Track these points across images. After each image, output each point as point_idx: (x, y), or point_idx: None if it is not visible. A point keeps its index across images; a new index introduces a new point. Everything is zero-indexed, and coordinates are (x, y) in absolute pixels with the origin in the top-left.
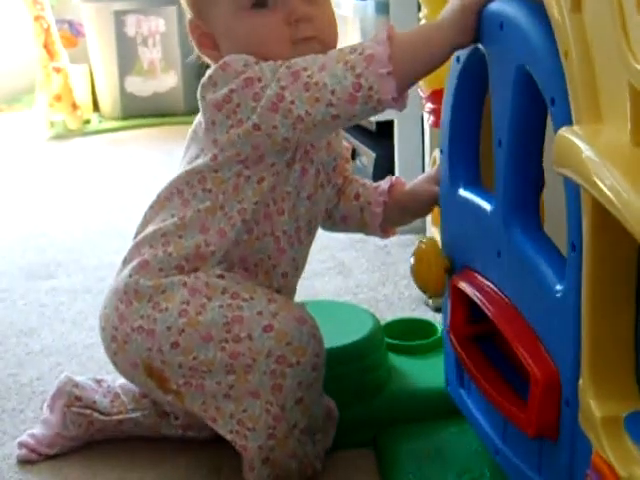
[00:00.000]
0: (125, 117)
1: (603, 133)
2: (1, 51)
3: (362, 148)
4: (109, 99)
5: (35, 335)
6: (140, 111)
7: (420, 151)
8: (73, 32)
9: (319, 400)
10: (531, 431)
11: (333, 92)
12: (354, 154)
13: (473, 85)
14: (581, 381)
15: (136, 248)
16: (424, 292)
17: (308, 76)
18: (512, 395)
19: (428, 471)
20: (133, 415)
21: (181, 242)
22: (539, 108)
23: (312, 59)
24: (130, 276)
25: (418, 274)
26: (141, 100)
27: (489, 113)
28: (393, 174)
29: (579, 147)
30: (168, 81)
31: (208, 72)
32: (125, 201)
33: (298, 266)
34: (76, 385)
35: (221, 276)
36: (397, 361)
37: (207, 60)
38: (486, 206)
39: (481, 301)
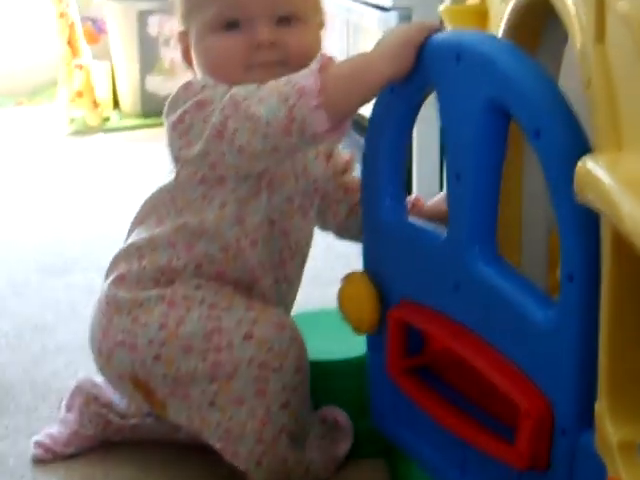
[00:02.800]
0: (145, 115)
1: (624, 162)
2: (24, 45)
3: None
4: (129, 97)
5: (50, 331)
6: (160, 110)
7: (438, 167)
8: (96, 29)
9: (306, 405)
10: (522, 463)
11: (268, 124)
12: None
13: (405, 116)
14: (597, 406)
15: (114, 262)
16: (357, 330)
17: (247, 106)
18: (483, 428)
19: None
20: (148, 420)
21: (154, 256)
22: (503, 140)
23: (254, 89)
24: (109, 291)
25: (351, 312)
26: (161, 99)
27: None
28: (411, 189)
29: (600, 176)
30: None
31: (173, 92)
32: (142, 198)
33: (280, 291)
34: (95, 385)
35: (198, 286)
36: None
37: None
38: (435, 238)
39: (440, 335)
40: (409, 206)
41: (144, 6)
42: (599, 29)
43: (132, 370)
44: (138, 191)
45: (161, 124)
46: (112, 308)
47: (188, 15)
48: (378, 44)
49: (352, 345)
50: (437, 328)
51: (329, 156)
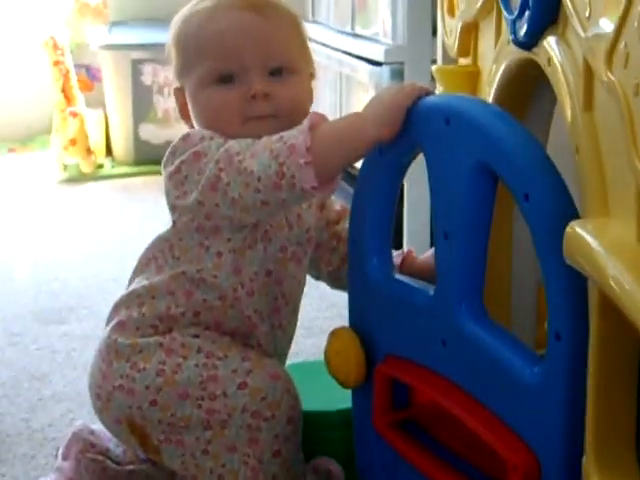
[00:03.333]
0: (138, 163)
1: (610, 228)
2: (18, 92)
3: None
4: (123, 145)
5: (47, 380)
6: (152, 158)
7: (428, 223)
8: (90, 77)
9: (298, 455)
10: None
11: (259, 179)
12: None
13: (393, 177)
14: (584, 460)
15: (115, 309)
16: (343, 384)
17: (239, 161)
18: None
19: None
20: (144, 466)
21: (153, 303)
22: (491, 202)
23: (247, 144)
24: (109, 337)
25: (338, 367)
26: (154, 147)
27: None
28: (402, 239)
29: (588, 241)
30: (181, 130)
31: (172, 144)
32: (136, 247)
33: (276, 337)
34: (91, 432)
35: (196, 335)
36: None
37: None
38: (422, 295)
39: (427, 390)
40: (400, 260)
41: (138, 55)
42: (587, 97)
43: (129, 414)
44: (132, 239)
45: (154, 172)
46: (112, 353)
47: (182, 71)
48: (369, 104)
49: (345, 396)
50: (425, 384)
51: (322, 207)
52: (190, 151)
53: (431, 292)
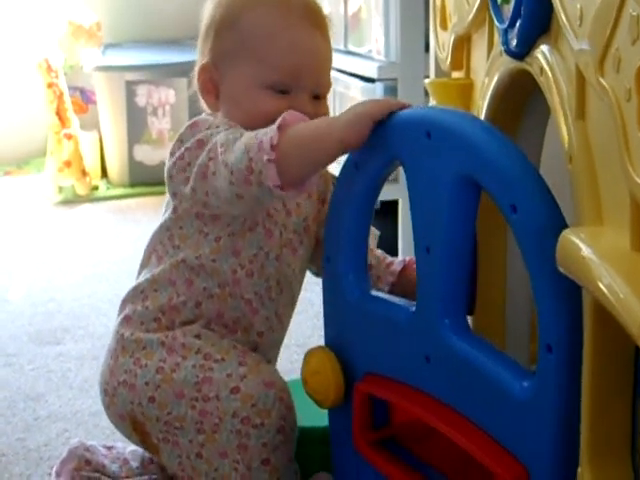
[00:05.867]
0: (133, 185)
1: (604, 236)
2: (13, 115)
3: None
4: (117, 166)
5: (42, 401)
6: (147, 179)
7: None
8: (84, 99)
9: (291, 467)
10: None
11: (232, 172)
12: None
13: (368, 192)
14: (579, 470)
15: (122, 305)
16: (321, 404)
17: (221, 153)
18: None
19: None
20: (140, 479)
21: (156, 295)
22: (473, 215)
23: (229, 138)
24: (117, 332)
25: (315, 388)
26: (149, 168)
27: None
28: (396, 252)
29: (581, 249)
30: None
31: (180, 130)
32: (131, 268)
33: (273, 325)
34: (87, 449)
35: (197, 336)
36: None
37: (202, 105)
38: (403, 312)
39: (410, 408)
40: (401, 267)
41: (132, 76)
42: (580, 105)
43: (131, 410)
44: (127, 260)
45: (149, 193)
46: (119, 347)
47: (227, 56)
48: (343, 112)
49: None
50: (407, 401)
51: (323, 201)
52: (194, 138)
53: (412, 308)
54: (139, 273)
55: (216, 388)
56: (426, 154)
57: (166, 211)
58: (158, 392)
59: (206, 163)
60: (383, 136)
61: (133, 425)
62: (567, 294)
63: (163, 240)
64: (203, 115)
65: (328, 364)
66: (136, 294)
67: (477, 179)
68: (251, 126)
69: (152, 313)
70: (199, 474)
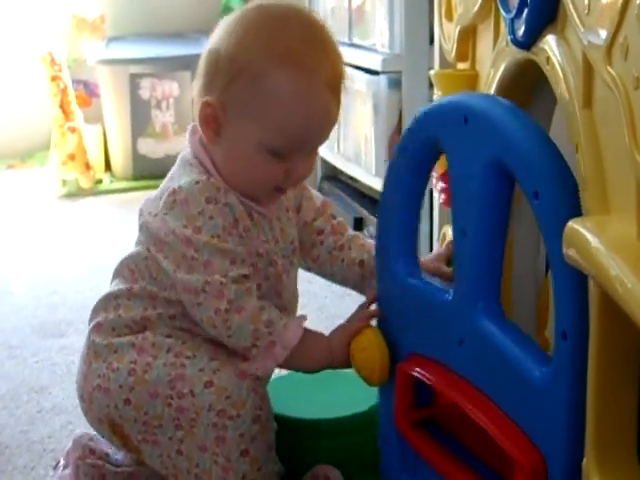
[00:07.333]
0: (136, 178)
1: (611, 225)
2: (16, 108)
3: (370, 218)
4: (121, 160)
5: (46, 393)
6: (151, 172)
7: (428, 224)
8: (88, 92)
9: (270, 456)
10: None
11: (230, 336)
12: (362, 224)
13: (419, 175)
14: (585, 461)
15: (94, 311)
16: (368, 382)
17: (226, 310)
18: (478, 477)
19: None
20: (142, 468)
21: (130, 305)
22: (507, 200)
23: (240, 294)
24: (89, 338)
25: (362, 364)
26: (152, 162)
27: None
28: None
29: (587, 238)
30: (179, 144)
31: (169, 192)
32: None
33: None
34: (91, 439)
35: (168, 335)
36: None
37: (201, 135)
38: (442, 294)
39: (445, 389)
40: None
41: (136, 69)
42: (587, 94)
43: (108, 414)
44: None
45: (152, 186)
46: (90, 354)
47: (244, 108)
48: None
49: (344, 406)
50: (441, 381)
51: (298, 209)
52: (183, 233)
53: (451, 291)
54: (112, 280)
55: (190, 384)
56: (463, 139)
57: (139, 243)
58: (133, 394)
59: (197, 289)
60: (425, 121)
61: (112, 428)
62: (584, 282)
63: (139, 264)
64: (195, 193)
65: (374, 341)
66: (109, 302)
67: (506, 164)
68: (242, 183)
69: (124, 321)
70: (181, 471)
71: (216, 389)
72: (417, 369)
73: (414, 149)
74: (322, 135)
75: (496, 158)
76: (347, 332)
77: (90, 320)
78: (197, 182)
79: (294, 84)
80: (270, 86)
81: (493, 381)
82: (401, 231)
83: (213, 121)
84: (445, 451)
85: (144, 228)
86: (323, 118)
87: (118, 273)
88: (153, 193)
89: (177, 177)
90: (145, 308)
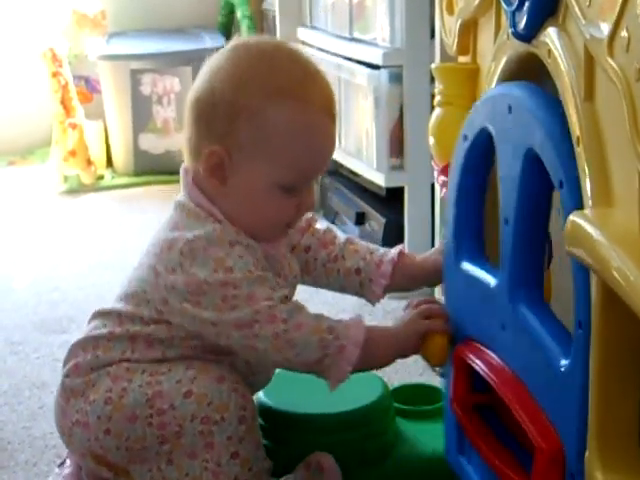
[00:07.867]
0: (138, 174)
1: (613, 217)
2: (17, 104)
3: (372, 213)
4: (122, 155)
5: (48, 389)
6: (152, 168)
7: (430, 218)
8: (89, 88)
9: (259, 454)
10: None
11: (297, 354)
12: (363, 218)
13: (479, 162)
14: (587, 453)
15: (72, 351)
16: (428, 362)
17: (284, 330)
18: (515, 464)
19: None
20: None
21: (109, 346)
22: (546, 189)
23: (292, 311)
24: (67, 376)
25: (423, 345)
26: (154, 157)
27: (494, 189)
28: (402, 239)
29: (589, 231)
30: (181, 139)
31: (185, 242)
32: (136, 257)
33: (260, 379)
34: None
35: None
36: (405, 426)
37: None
38: (490, 280)
39: (485, 372)
40: (391, 267)
41: (137, 65)
42: (588, 87)
43: (89, 447)
44: (132, 249)
45: (154, 182)
46: (68, 392)
47: (250, 151)
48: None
49: (346, 400)
50: (483, 365)
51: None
52: (216, 278)
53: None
54: (90, 320)
55: (168, 399)
56: (507, 127)
57: (138, 294)
58: (111, 423)
59: (249, 322)
60: (480, 109)
61: (96, 460)
62: None
63: (128, 314)
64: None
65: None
66: (88, 342)
67: (539, 155)
68: (254, 224)
69: (102, 361)
70: None
71: (196, 397)
72: (467, 353)
73: (473, 134)
74: (328, 161)
75: (532, 147)
76: (419, 329)
77: (66, 360)
78: (214, 229)
79: (289, 115)
80: (269, 123)
81: (526, 367)
82: (461, 214)
83: (219, 171)
84: (489, 437)
85: (162, 285)
86: (325, 146)
87: (99, 313)
88: (153, 242)
89: (184, 227)
90: (124, 351)
